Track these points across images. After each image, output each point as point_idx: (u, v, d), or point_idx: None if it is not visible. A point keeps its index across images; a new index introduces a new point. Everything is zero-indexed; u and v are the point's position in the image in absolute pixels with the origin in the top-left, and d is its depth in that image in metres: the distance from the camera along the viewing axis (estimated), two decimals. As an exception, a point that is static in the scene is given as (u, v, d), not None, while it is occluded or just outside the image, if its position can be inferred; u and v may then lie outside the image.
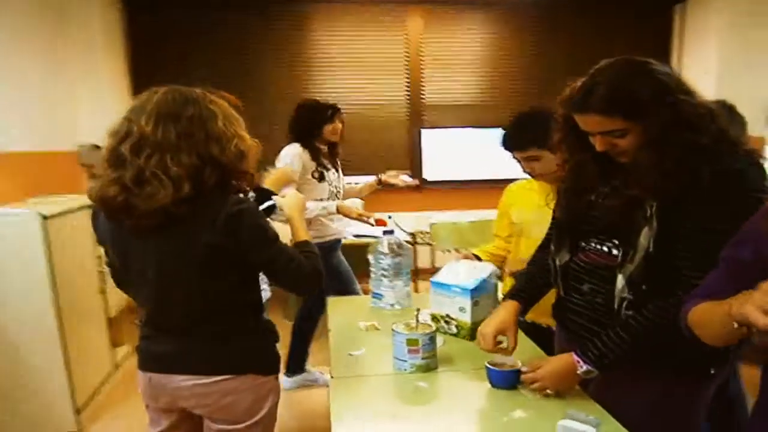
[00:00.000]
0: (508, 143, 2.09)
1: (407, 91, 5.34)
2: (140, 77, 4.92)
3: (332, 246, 3.33)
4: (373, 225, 3.24)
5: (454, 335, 1.95)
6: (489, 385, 1.57)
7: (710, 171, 1.31)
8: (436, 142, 5.44)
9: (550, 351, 1.78)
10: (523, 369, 1.53)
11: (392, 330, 1.71)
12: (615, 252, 1.49)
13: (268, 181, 1.95)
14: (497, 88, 5.43)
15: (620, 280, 1.44)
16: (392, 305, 2.29)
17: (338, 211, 3.16)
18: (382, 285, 2.30)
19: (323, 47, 5.22)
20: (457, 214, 4.66)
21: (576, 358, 1.45)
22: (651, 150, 1.35)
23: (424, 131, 5.41)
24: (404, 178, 3.52)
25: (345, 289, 3.26)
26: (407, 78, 5.33)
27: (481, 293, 1.92)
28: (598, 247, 1.54)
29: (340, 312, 2.28)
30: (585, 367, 1.43)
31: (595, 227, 1.55)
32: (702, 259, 1.32)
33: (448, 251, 4.38)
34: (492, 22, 5.35)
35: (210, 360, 1.52)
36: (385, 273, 2.29)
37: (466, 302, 1.90)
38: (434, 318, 2.01)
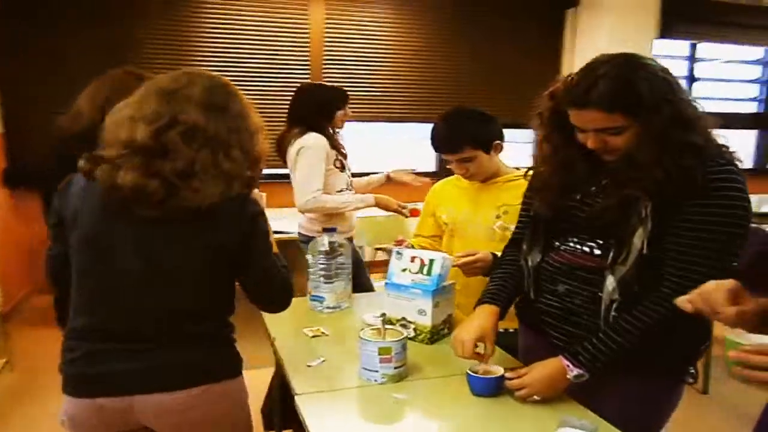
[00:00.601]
0: (441, 145, 2.04)
1: (309, 79, 5.14)
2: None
3: (350, 242, 3.15)
4: (407, 216, 3.15)
5: (411, 339, 1.85)
6: (469, 393, 1.48)
7: (703, 172, 1.31)
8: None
9: (512, 354, 1.74)
10: (507, 375, 1.46)
11: (360, 338, 1.58)
12: (597, 252, 1.46)
13: None
14: (402, 80, 5.39)
15: (611, 282, 1.41)
16: (332, 308, 2.14)
17: (376, 204, 3.06)
18: (322, 287, 2.15)
19: (220, 32, 4.89)
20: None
21: (566, 362, 1.40)
22: (652, 148, 1.32)
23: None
24: (416, 177, 3.45)
25: (362, 283, 3.05)
26: (308, 66, 5.13)
27: (441, 294, 1.83)
28: (578, 247, 1.50)
29: (278, 316, 2.08)
30: (576, 372, 1.38)
31: (576, 226, 1.51)
32: (689, 258, 1.33)
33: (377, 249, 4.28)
34: (396, 12, 5.28)
35: (184, 371, 1.34)
36: (324, 274, 2.14)
37: (427, 304, 1.80)
38: (388, 321, 1.90)
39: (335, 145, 3.05)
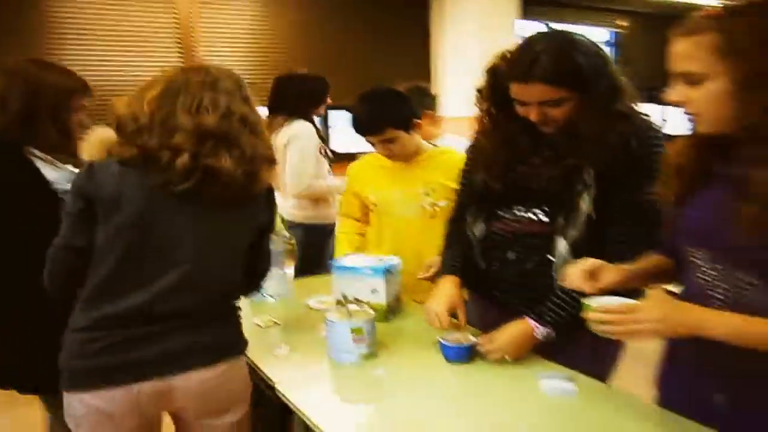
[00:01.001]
0: (362, 127, 2.06)
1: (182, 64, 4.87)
2: None
3: (333, 230, 3.07)
4: None
5: (366, 319, 1.88)
6: (444, 362, 1.55)
7: (637, 139, 1.46)
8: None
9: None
10: (479, 341, 1.54)
11: (329, 321, 1.59)
12: (543, 218, 1.58)
13: (90, 150, 1.63)
14: (274, 66, 5.27)
15: (563, 245, 1.53)
16: (273, 296, 2.12)
17: None
18: (261, 276, 2.11)
19: (75, 20, 4.46)
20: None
21: (533, 323, 1.51)
22: (593, 119, 1.44)
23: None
24: None
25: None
26: (180, 55, 4.86)
27: (391, 273, 1.88)
28: (523, 215, 1.61)
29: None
30: (544, 331, 1.50)
31: (521, 196, 1.61)
32: (631, 219, 1.48)
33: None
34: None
35: (217, 346, 1.42)
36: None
37: (380, 283, 1.85)
38: (339, 303, 1.92)
39: (319, 132, 3.11)
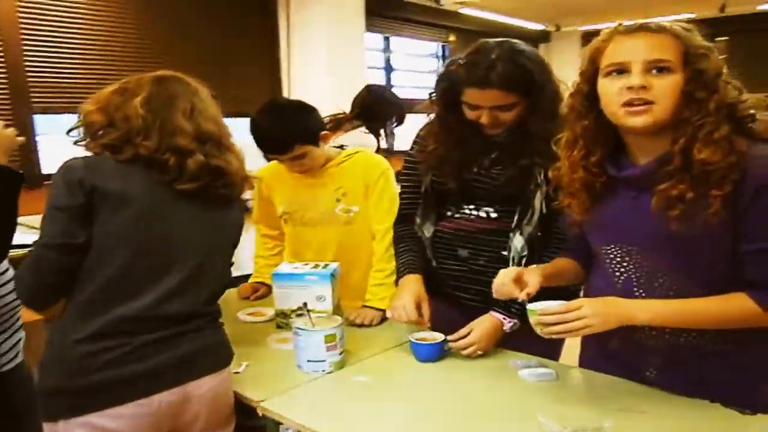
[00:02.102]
0: (270, 146, 1.94)
1: (2, 66, 4.25)
2: None
3: None
4: None
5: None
6: (417, 363, 1.56)
7: None
8: (55, 129, 4.58)
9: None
10: (449, 338, 1.58)
11: (297, 330, 1.52)
12: (494, 216, 1.67)
13: None
14: (111, 66, 4.83)
15: (519, 240, 1.63)
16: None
17: None
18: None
19: None
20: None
21: (500, 316, 1.58)
22: (543, 121, 1.55)
23: (37, 117, 4.45)
24: None
25: None
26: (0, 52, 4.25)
27: (335, 279, 1.84)
28: (474, 213, 1.69)
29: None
30: (511, 322, 1.57)
31: (473, 195, 1.69)
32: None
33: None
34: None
35: (221, 350, 1.41)
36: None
37: (327, 289, 1.80)
38: (282, 314, 1.84)
39: None
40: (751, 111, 1.20)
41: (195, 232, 1.35)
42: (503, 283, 1.40)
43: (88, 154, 1.30)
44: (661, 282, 1.25)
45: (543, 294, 1.36)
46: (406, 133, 4.63)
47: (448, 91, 1.63)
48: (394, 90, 3.44)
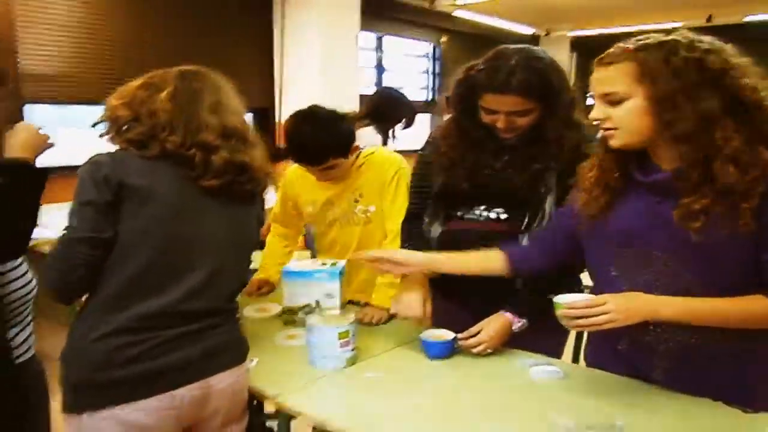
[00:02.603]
0: (303, 157, 1.96)
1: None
2: None
3: None
4: None
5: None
6: (427, 360, 1.60)
7: (584, 145, 1.63)
8: (46, 120, 4.53)
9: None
10: (460, 336, 1.61)
11: (314, 326, 1.55)
12: (504, 218, 1.70)
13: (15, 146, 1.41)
14: (102, 58, 4.78)
15: (527, 242, 1.66)
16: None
17: None
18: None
19: None
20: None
21: (510, 316, 1.62)
22: (558, 127, 1.60)
23: (28, 107, 4.40)
24: None
25: None
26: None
27: (343, 276, 1.87)
28: (484, 214, 1.72)
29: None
30: (520, 322, 1.61)
31: (484, 197, 1.72)
32: None
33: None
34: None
35: (241, 344, 1.43)
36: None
37: (335, 287, 1.83)
38: (290, 310, 1.86)
39: None
40: None
41: (219, 229, 1.35)
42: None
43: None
44: (680, 287, 1.27)
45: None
46: (404, 132, 4.68)
47: (466, 96, 1.66)
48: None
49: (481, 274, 1.59)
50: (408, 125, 3.07)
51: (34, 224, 1.37)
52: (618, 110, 1.25)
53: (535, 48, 1.64)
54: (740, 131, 1.17)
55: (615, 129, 1.26)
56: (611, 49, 1.28)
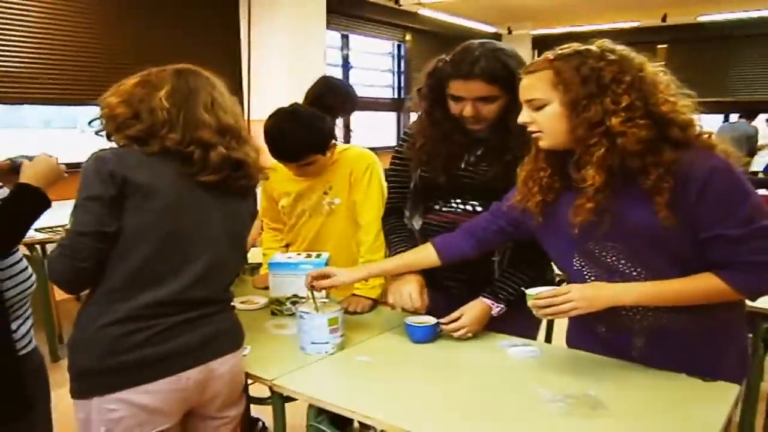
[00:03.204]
0: (281, 154, 2.02)
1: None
2: None
3: None
4: None
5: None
6: (411, 343, 1.69)
7: None
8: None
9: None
10: (442, 321, 1.70)
11: (301, 314, 1.62)
12: (480, 209, 1.80)
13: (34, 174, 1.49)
14: (64, 58, 4.72)
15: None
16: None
17: None
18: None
19: None
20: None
21: (489, 301, 1.71)
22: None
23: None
24: None
25: None
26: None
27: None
28: (461, 207, 1.82)
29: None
30: (499, 307, 1.71)
31: (460, 190, 1.82)
32: None
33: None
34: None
35: (238, 330, 1.51)
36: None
37: (320, 277, 1.90)
38: (277, 301, 1.93)
39: None
40: (684, 117, 1.33)
41: (217, 223, 1.41)
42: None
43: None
44: (639, 272, 1.40)
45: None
46: (367, 129, 4.73)
47: (435, 87, 1.76)
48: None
49: (420, 267, 1.75)
50: (347, 114, 3.15)
51: (21, 237, 1.45)
52: (540, 115, 1.38)
53: (497, 42, 1.75)
54: (636, 135, 1.28)
55: (540, 132, 1.40)
56: (535, 59, 1.41)
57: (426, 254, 1.73)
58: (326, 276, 1.72)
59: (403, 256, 1.79)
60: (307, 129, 1.99)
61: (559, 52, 1.36)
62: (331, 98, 2.92)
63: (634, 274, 1.40)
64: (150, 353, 1.29)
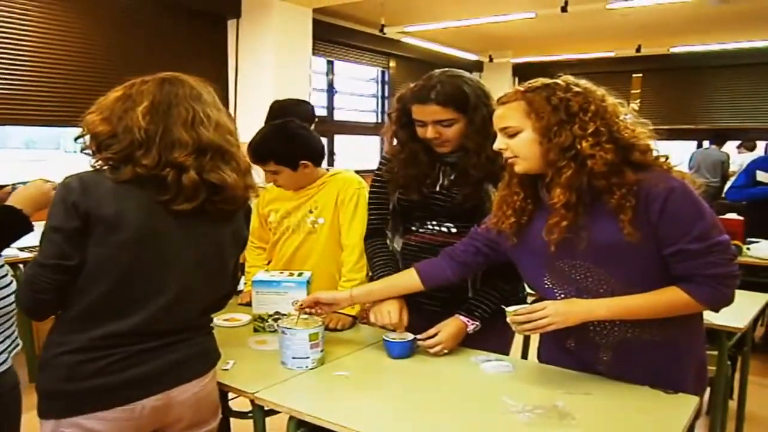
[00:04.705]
0: (250, 154, 2.12)
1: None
2: None
3: None
4: None
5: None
6: (389, 358, 1.75)
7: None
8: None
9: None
10: (419, 338, 1.77)
11: (283, 330, 1.68)
12: (454, 230, 1.88)
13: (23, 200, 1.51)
14: (50, 79, 4.76)
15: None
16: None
17: None
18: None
19: None
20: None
21: (464, 319, 1.78)
22: (477, 137, 1.77)
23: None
24: None
25: None
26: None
27: (310, 285, 2.00)
28: (436, 228, 1.90)
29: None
30: (474, 325, 1.78)
31: (434, 213, 1.90)
32: None
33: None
34: (46, 6, 4.65)
35: (206, 355, 1.48)
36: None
37: (302, 295, 1.94)
38: (260, 318, 1.98)
39: None
40: (642, 143, 1.43)
41: (189, 250, 1.35)
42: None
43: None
44: (606, 289, 1.48)
45: None
46: (351, 152, 4.81)
47: (401, 112, 1.87)
48: (336, 110, 3.67)
49: (407, 291, 1.81)
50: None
51: None
52: (514, 141, 1.49)
53: (460, 70, 1.86)
54: (603, 158, 1.38)
55: (515, 157, 1.50)
56: (508, 91, 1.53)
57: (409, 278, 1.79)
58: (316, 302, 1.78)
59: (387, 281, 1.85)
60: (276, 137, 2.13)
61: (529, 85, 1.48)
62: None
63: (602, 291, 1.49)
64: (103, 382, 1.27)
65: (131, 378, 1.29)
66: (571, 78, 1.48)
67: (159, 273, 1.32)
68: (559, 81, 1.47)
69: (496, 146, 1.53)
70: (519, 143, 1.48)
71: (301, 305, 1.76)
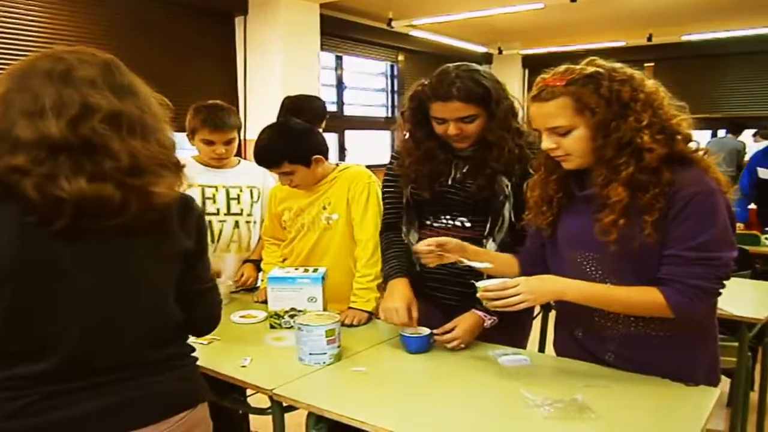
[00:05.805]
0: (260, 160, 2.13)
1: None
2: None
3: None
4: None
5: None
6: (406, 353, 1.75)
7: (530, 150, 1.79)
8: None
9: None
10: (435, 332, 1.76)
11: (300, 326, 1.68)
12: (468, 225, 1.88)
13: None
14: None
15: (492, 246, 1.83)
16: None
17: None
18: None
19: None
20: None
21: (481, 314, 1.78)
22: (499, 130, 1.77)
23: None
24: None
25: None
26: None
27: (325, 281, 2.00)
28: (450, 222, 1.90)
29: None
30: (491, 319, 1.78)
31: (449, 207, 1.89)
32: None
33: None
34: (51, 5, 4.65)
35: (158, 398, 1.18)
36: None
37: (317, 291, 1.96)
38: (276, 315, 1.98)
39: None
40: (685, 131, 1.39)
41: (84, 280, 1.07)
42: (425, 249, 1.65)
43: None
44: (610, 280, 1.47)
45: None
46: (362, 146, 4.80)
47: (418, 110, 1.85)
48: (345, 105, 3.69)
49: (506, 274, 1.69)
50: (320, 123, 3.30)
51: None
52: (567, 140, 1.43)
53: (474, 64, 1.84)
54: (657, 152, 1.34)
55: (567, 155, 1.45)
56: (541, 87, 1.43)
57: (511, 264, 1.73)
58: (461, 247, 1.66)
59: (500, 259, 1.73)
60: (285, 137, 2.12)
61: (570, 77, 1.38)
62: (298, 114, 2.99)
63: (606, 283, 1.48)
64: (25, 424, 1.06)
65: (60, 419, 1.07)
66: (603, 61, 1.41)
67: (54, 308, 1.07)
68: (599, 69, 1.39)
69: (544, 146, 1.46)
70: (572, 142, 1.41)
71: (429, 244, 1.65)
